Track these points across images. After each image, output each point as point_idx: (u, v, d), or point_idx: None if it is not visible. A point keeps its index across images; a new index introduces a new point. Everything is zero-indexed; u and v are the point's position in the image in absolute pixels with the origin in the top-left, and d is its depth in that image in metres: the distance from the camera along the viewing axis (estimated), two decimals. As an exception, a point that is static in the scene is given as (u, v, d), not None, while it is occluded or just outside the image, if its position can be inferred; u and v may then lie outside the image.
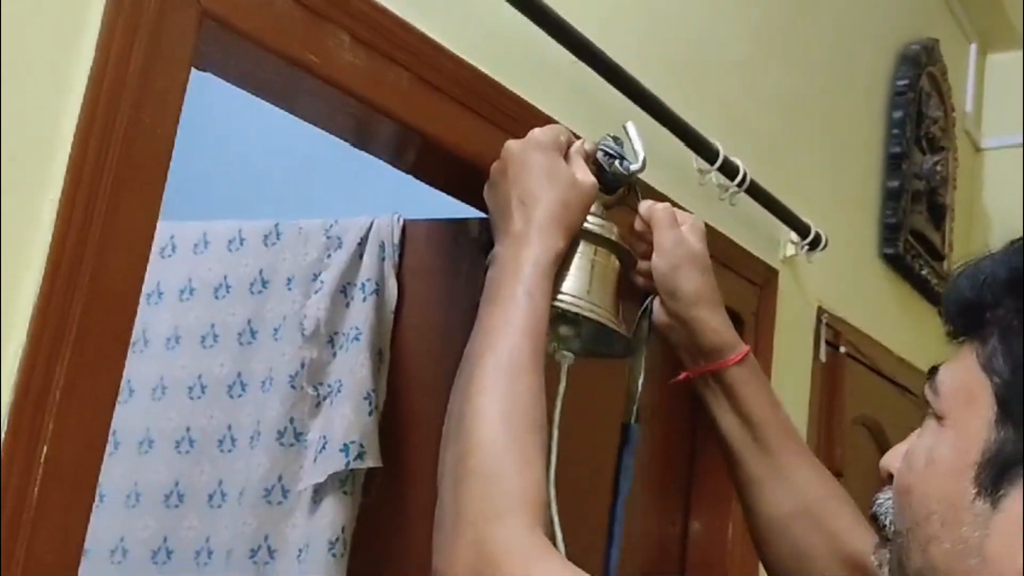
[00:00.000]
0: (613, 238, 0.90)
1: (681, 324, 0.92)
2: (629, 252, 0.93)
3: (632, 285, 0.96)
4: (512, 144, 0.85)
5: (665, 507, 1.40)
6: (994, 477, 0.58)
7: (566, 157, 0.86)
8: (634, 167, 0.94)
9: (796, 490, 0.91)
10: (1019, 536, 0.56)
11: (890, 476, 0.67)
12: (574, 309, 0.86)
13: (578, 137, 0.92)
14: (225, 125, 1.37)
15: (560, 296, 0.85)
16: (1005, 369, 0.59)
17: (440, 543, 0.69)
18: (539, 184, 0.81)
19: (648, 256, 0.93)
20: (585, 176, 0.85)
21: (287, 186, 1.55)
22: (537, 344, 0.75)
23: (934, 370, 0.66)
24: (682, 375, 0.95)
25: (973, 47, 2.58)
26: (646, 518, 1.35)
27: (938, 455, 0.62)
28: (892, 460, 0.68)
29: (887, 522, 0.67)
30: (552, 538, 0.80)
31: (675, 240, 0.91)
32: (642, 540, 1.34)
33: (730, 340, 0.93)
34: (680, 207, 1.05)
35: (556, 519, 0.84)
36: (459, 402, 0.74)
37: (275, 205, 1.42)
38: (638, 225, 0.95)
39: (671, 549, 1.41)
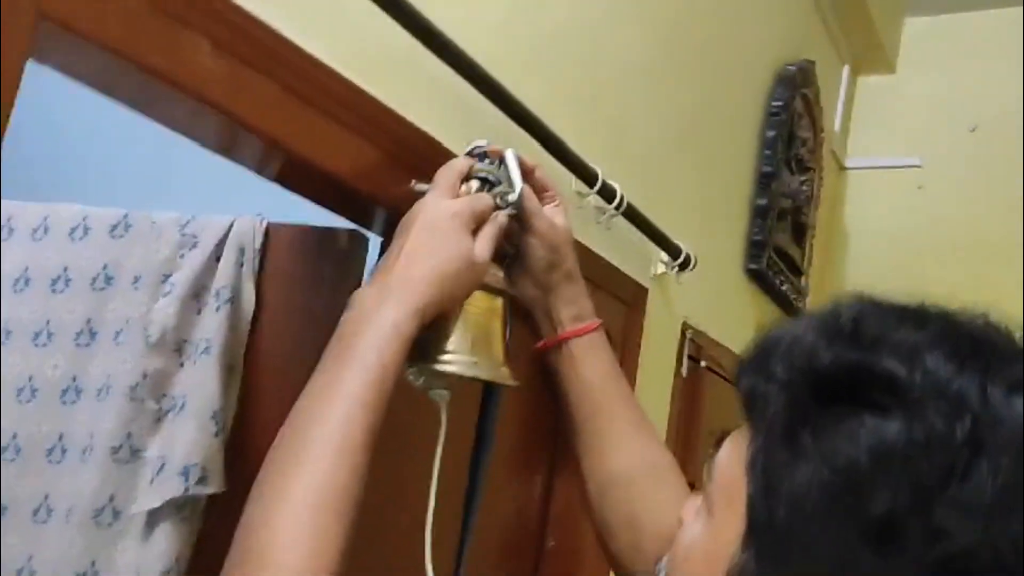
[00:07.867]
0: (491, 283, 0.88)
1: (547, 294, 0.97)
2: (505, 292, 0.91)
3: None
4: (430, 200, 0.83)
5: (529, 479, 1.39)
6: None
7: (477, 230, 0.83)
8: (511, 198, 0.94)
9: (628, 456, 0.94)
10: None
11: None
12: (456, 371, 0.83)
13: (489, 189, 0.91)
14: (78, 102, 1.25)
15: (441, 359, 0.83)
16: (758, 483, 0.52)
17: None
18: (431, 246, 0.78)
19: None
20: (483, 255, 0.82)
21: (140, 173, 1.42)
22: (375, 420, 0.68)
23: (720, 443, 0.59)
24: (540, 343, 1.00)
25: (846, 69, 2.66)
26: (508, 489, 1.34)
27: (694, 554, 0.58)
28: (685, 513, 0.64)
29: None
30: None
31: (549, 224, 0.96)
32: (503, 508, 1.33)
33: (585, 311, 0.99)
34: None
35: (430, 566, 0.81)
36: (274, 465, 0.67)
37: (126, 193, 1.32)
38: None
39: (531, 518, 1.40)
